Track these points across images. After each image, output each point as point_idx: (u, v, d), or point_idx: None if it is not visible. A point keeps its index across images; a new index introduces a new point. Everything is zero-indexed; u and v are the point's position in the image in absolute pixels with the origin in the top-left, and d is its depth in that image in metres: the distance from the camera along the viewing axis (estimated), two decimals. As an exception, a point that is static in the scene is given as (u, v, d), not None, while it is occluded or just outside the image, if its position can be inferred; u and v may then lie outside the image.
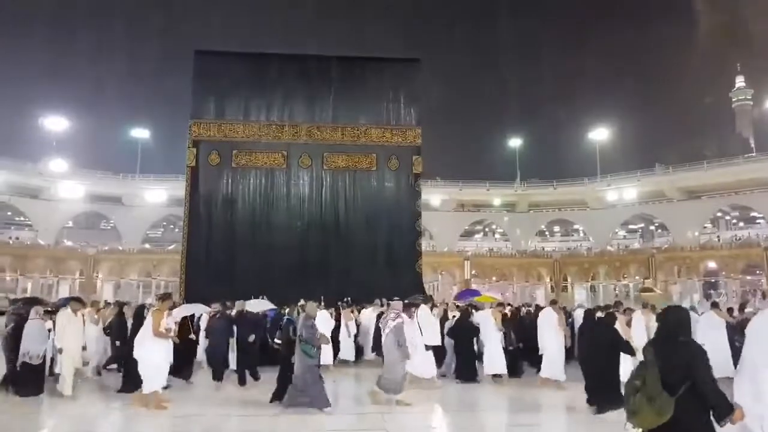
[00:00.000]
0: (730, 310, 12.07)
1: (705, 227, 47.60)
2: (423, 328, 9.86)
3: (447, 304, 16.28)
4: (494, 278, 45.86)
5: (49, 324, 8.77)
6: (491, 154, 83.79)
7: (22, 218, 47.63)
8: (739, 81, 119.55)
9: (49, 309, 9.75)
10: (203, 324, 11.15)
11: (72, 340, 8.36)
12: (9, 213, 47.06)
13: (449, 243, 48.29)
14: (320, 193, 21.31)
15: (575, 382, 8.75)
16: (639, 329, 10.25)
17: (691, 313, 6.26)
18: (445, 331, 11.10)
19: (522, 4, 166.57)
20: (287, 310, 10.11)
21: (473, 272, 44.43)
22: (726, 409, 3.18)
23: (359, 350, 13.27)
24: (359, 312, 14.01)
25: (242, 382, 9.65)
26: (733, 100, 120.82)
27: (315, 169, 21.47)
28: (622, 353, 7.80)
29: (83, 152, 53.68)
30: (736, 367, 8.30)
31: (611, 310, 9.57)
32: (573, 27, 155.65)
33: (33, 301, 10.24)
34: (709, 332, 9.69)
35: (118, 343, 10.08)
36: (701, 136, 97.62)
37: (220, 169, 21.12)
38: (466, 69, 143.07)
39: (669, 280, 40.77)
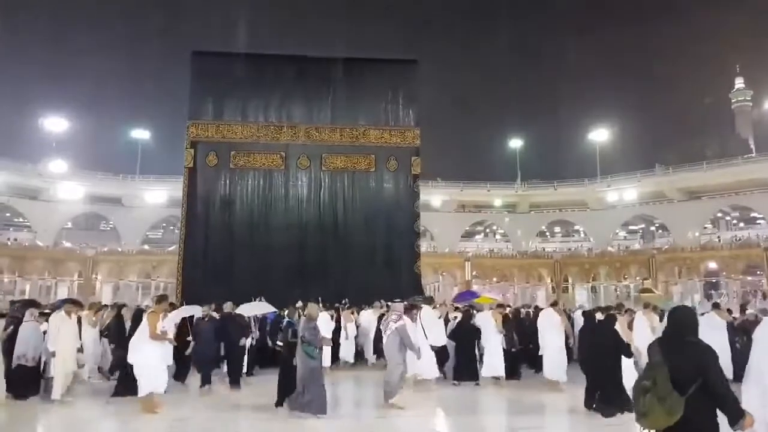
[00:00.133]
0: (729, 312, 11.98)
1: (705, 228, 47.49)
2: (427, 329, 9.82)
3: (447, 305, 16.16)
4: (495, 279, 45.78)
5: (44, 326, 8.70)
6: (492, 155, 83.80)
7: (20, 219, 47.55)
8: (739, 82, 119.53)
9: (45, 311, 9.68)
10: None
11: (65, 342, 8.27)
12: (8, 214, 46.98)
13: (450, 244, 48.23)
14: (318, 194, 21.23)
15: (576, 383, 8.68)
16: (642, 330, 10.18)
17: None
18: (447, 333, 11.04)
19: (522, 5, 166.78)
20: (287, 312, 10.01)
21: (474, 273, 44.35)
22: (738, 413, 3.16)
23: (359, 352, 13.21)
24: (358, 313, 13.95)
25: (236, 385, 9.53)
26: (733, 101, 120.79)
27: (313, 170, 21.39)
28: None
29: (83, 153, 53.56)
30: (734, 369, 8.27)
31: (611, 312, 9.49)
32: (573, 28, 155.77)
33: (30, 304, 10.17)
34: (710, 333, 9.56)
35: (113, 346, 10.00)
36: (701, 137, 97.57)
37: (218, 170, 21.03)
38: (467, 70, 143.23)
39: (670, 280, 40.68)
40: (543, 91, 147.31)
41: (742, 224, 50.87)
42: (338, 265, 20.22)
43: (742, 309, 12.61)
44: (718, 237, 46.95)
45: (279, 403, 7.87)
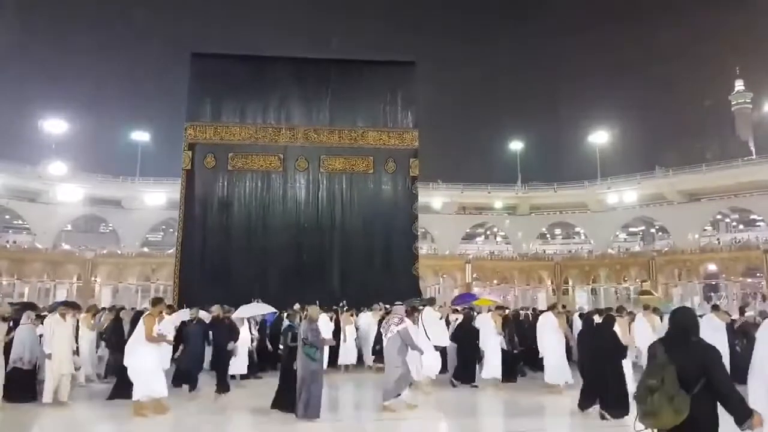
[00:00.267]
0: (727, 314, 11.91)
1: (705, 230, 47.47)
2: (429, 330, 9.80)
3: (447, 307, 16.11)
4: (495, 281, 45.72)
5: (41, 329, 8.65)
6: (492, 157, 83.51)
7: (19, 222, 47.48)
8: (739, 84, 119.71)
9: (42, 314, 9.64)
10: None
11: (60, 345, 8.21)
12: (7, 216, 46.89)
13: (451, 246, 48.18)
14: (317, 196, 21.14)
15: (575, 386, 8.63)
16: (642, 332, 10.14)
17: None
18: (448, 335, 11.00)
19: (522, 6, 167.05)
20: (286, 315, 9.94)
21: (474, 275, 44.27)
22: (745, 412, 3.16)
23: (359, 355, 13.16)
24: (357, 315, 13.90)
25: (224, 388, 9.41)
26: (733, 103, 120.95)
27: (311, 171, 21.32)
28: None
29: (83, 155, 53.59)
30: (733, 371, 8.22)
31: (610, 314, 9.43)
32: (573, 28, 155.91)
33: (28, 306, 10.12)
34: (709, 334, 9.53)
35: (108, 349, 9.95)
36: (701, 139, 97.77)
37: (215, 172, 20.95)
38: (467, 72, 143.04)
39: (669, 282, 40.60)
40: (543, 92, 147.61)
41: (741, 226, 50.85)
42: (336, 267, 20.17)
43: (741, 311, 12.55)
44: (718, 239, 46.89)
45: (274, 406, 7.80)
